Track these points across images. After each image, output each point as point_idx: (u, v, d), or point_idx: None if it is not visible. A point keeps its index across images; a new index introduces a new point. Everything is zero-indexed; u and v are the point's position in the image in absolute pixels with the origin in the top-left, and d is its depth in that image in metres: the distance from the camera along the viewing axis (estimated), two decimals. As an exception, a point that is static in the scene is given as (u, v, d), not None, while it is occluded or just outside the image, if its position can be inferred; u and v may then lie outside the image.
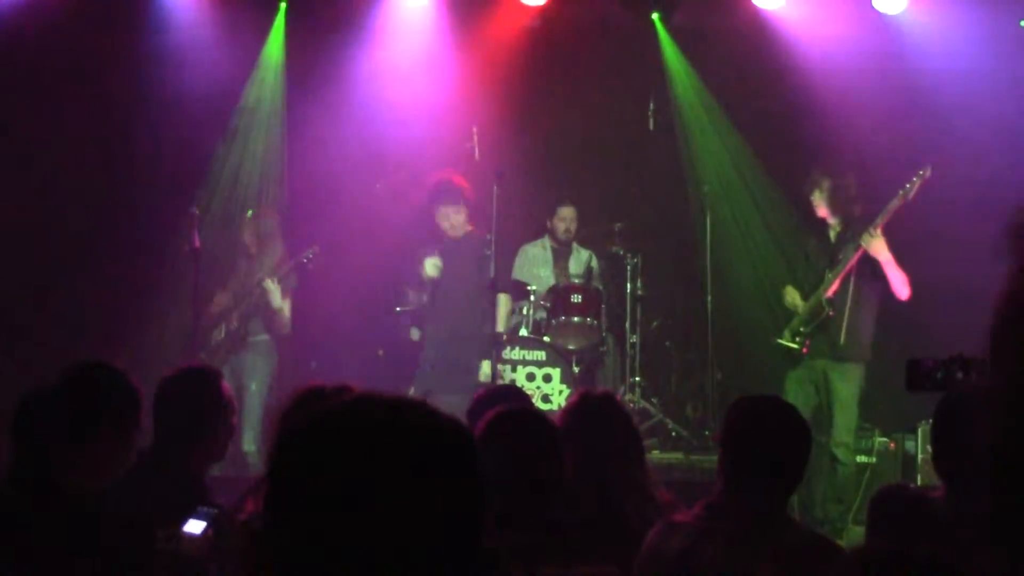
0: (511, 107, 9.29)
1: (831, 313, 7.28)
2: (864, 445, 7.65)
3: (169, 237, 8.24)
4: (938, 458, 3.09)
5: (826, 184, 7.40)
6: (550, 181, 9.38)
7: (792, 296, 7.55)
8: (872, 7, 8.69)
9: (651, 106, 9.31)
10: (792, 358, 7.45)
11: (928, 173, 7.20)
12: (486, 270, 7.90)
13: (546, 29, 9.44)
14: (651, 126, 9.34)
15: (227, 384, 3.85)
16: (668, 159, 9.43)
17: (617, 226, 8.95)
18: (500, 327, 7.89)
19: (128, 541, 2.97)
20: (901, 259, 7.38)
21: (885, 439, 7.67)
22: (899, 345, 7.34)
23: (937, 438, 3.10)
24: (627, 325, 8.73)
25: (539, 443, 3.05)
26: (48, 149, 8.30)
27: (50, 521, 2.90)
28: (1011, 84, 8.45)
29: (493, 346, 7.78)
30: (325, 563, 1.38)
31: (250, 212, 8.30)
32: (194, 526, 3.13)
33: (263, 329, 7.98)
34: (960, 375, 3.55)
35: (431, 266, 8.05)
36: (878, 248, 7.18)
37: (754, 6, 8.92)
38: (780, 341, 7.52)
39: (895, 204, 7.21)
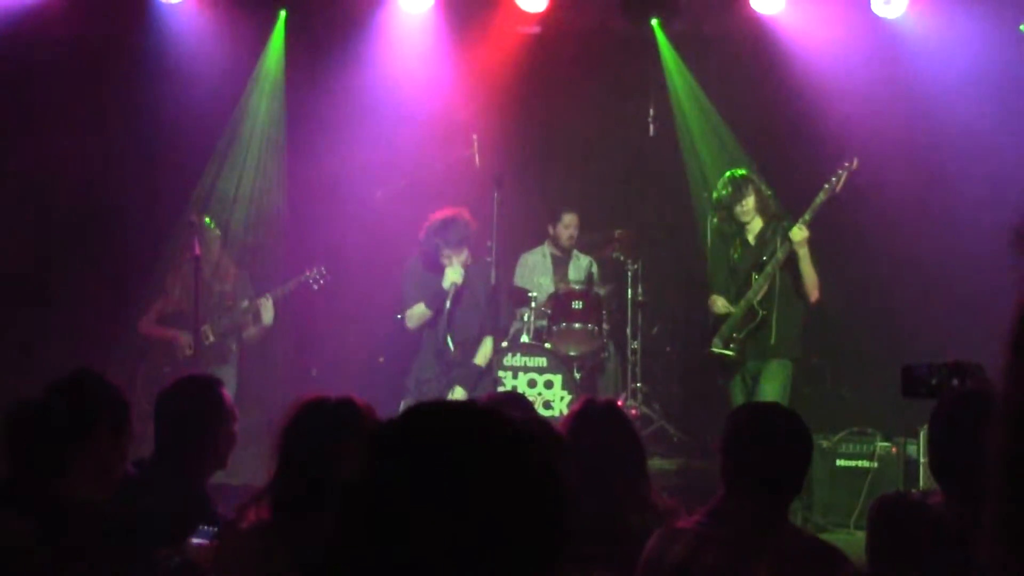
0: (511, 114, 9.30)
1: (764, 315, 7.21)
2: (866, 450, 7.63)
3: (166, 245, 8.27)
4: (935, 464, 3.09)
5: (751, 189, 7.35)
6: (550, 188, 9.39)
7: (719, 303, 7.44)
8: (871, 12, 8.70)
9: (651, 112, 9.32)
10: (727, 367, 7.38)
11: (855, 165, 7.13)
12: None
13: (546, 35, 9.44)
14: (651, 132, 9.35)
15: (227, 393, 3.85)
16: (668, 165, 9.43)
17: (617, 232, 8.96)
18: (480, 361, 7.89)
19: (127, 551, 2.97)
20: (896, 264, 7.35)
21: (887, 443, 7.64)
22: (900, 349, 7.34)
23: (934, 444, 3.10)
24: (628, 331, 8.74)
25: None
26: (46, 158, 8.30)
27: (45, 530, 2.89)
28: (1010, 88, 8.45)
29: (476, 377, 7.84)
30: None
31: (211, 222, 8.18)
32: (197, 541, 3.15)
33: (235, 342, 8.03)
34: (955, 381, 3.55)
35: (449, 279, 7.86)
36: (802, 243, 7.08)
37: (753, 12, 8.93)
38: (714, 350, 7.41)
39: (822, 198, 7.12)
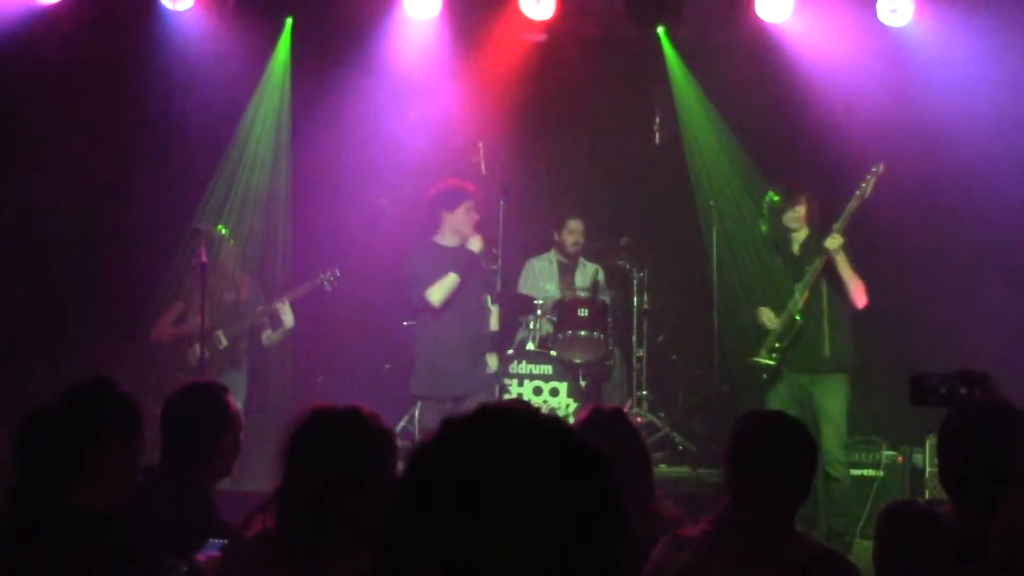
0: (517, 121, 9.30)
1: (802, 323, 7.23)
2: (871, 458, 7.62)
3: (173, 253, 8.28)
4: (944, 474, 3.08)
5: (802, 198, 7.38)
6: (556, 195, 9.39)
7: (766, 315, 7.48)
8: (877, 20, 8.70)
9: (656, 120, 9.33)
10: (769, 376, 7.39)
11: (881, 170, 7.15)
12: (489, 285, 7.94)
13: (552, 43, 9.45)
14: (656, 140, 9.35)
15: (233, 400, 3.85)
16: (674, 173, 9.43)
17: (623, 240, 8.96)
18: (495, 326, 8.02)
19: (136, 558, 2.97)
20: (905, 273, 7.36)
21: (893, 452, 7.64)
22: (908, 357, 7.33)
23: (943, 454, 3.09)
24: (633, 339, 8.73)
25: None
26: (54, 165, 8.33)
27: (57, 539, 2.90)
28: (1016, 96, 8.45)
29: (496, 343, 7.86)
30: None
31: (226, 232, 8.20)
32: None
33: (246, 348, 8.03)
34: (964, 390, 3.55)
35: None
36: (837, 251, 7.12)
37: (759, 20, 8.92)
38: (755, 359, 7.45)
39: (853, 205, 7.15)
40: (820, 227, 7.36)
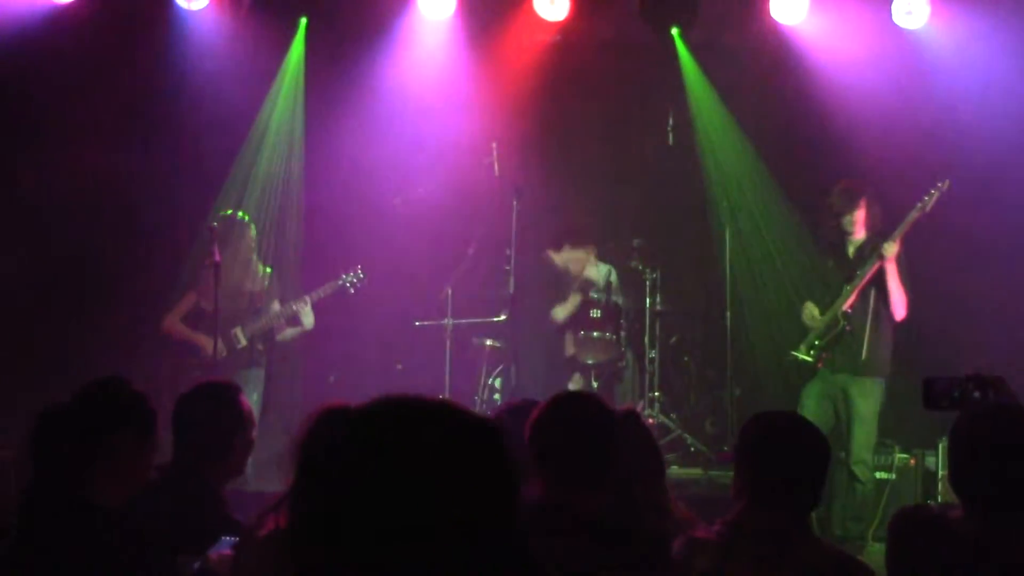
0: (531, 122, 9.30)
1: (848, 328, 7.29)
2: (884, 461, 7.61)
3: (187, 250, 8.30)
4: (955, 478, 3.06)
5: (863, 201, 7.42)
6: (569, 196, 9.38)
7: (811, 311, 7.55)
8: (892, 22, 8.67)
9: (670, 121, 9.31)
10: (806, 372, 7.45)
11: (947, 186, 7.24)
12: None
13: (566, 44, 9.44)
14: (670, 141, 9.33)
15: (245, 399, 3.86)
16: (687, 174, 9.41)
17: (636, 242, 8.94)
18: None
19: (149, 556, 2.98)
20: (915, 278, 7.37)
21: (906, 455, 7.62)
22: (921, 361, 7.31)
23: (954, 458, 3.07)
24: (646, 340, 8.72)
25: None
26: (69, 164, 8.35)
27: (71, 536, 2.91)
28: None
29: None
30: (365, 562, 1.40)
31: (247, 217, 8.13)
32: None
33: (264, 348, 8.00)
34: (977, 394, 3.53)
35: None
36: (891, 259, 7.20)
37: (773, 21, 8.90)
38: (795, 354, 7.53)
39: (913, 217, 7.24)
40: (880, 230, 7.38)
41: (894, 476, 7.56)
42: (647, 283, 8.76)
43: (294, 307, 7.87)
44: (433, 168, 8.95)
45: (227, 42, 8.83)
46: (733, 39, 9.43)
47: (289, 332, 8.02)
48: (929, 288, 7.81)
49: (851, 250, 7.50)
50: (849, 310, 7.33)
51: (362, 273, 7.99)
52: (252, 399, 7.63)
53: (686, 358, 9.34)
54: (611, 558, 3.08)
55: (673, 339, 9.18)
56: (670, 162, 9.51)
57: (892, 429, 7.84)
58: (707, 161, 9.36)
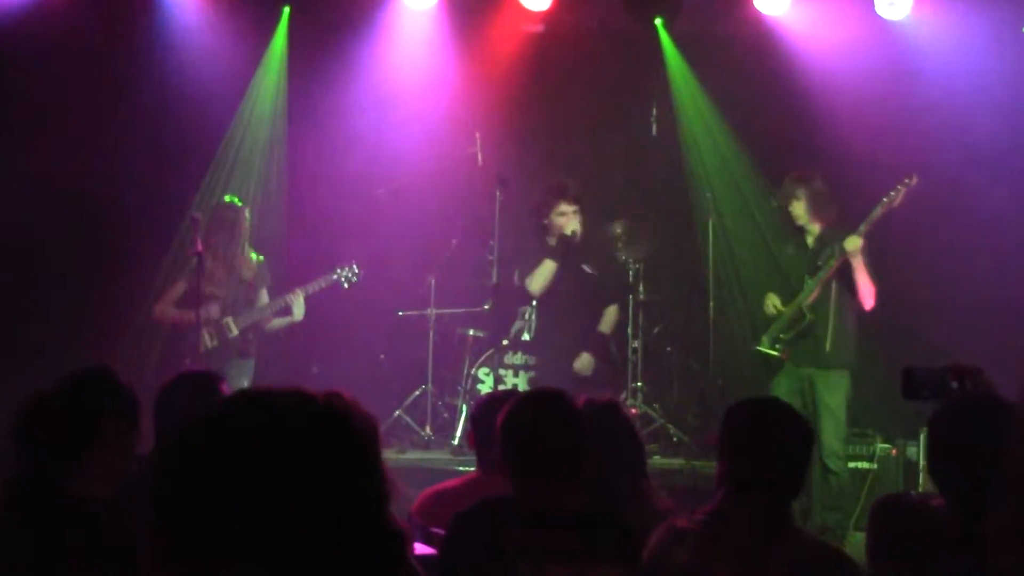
0: (514, 112, 9.30)
1: (811, 320, 7.28)
2: (866, 451, 7.64)
3: (170, 241, 8.27)
4: (934, 469, 3.08)
5: (801, 192, 7.41)
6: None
7: (772, 302, 7.55)
8: (875, 13, 8.69)
9: (654, 112, 9.32)
10: (771, 366, 7.45)
11: (914, 181, 7.18)
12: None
13: (549, 34, 9.44)
14: (654, 132, 9.34)
15: (226, 388, 3.85)
16: (670, 165, 9.43)
17: (619, 229, 8.93)
18: (607, 328, 8.31)
19: (132, 547, 2.97)
20: (895, 268, 7.39)
21: (887, 445, 7.65)
22: (901, 351, 7.33)
23: (932, 447, 3.09)
24: (629, 330, 8.72)
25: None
26: (49, 153, 8.29)
27: (55, 526, 2.90)
28: (1013, 88, 8.45)
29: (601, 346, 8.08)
30: (221, 559, 1.39)
31: (239, 200, 8.07)
32: None
33: (254, 338, 7.97)
34: (954, 384, 3.55)
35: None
36: (857, 254, 7.16)
37: (757, 12, 8.92)
38: (759, 348, 7.53)
39: (879, 211, 7.20)
40: (837, 222, 7.37)
41: (876, 466, 7.59)
42: (630, 273, 8.76)
43: (287, 299, 7.84)
44: (417, 158, 8.93)
45: (209, 31, 8.80)
46: (717, 30, 9.45)
47: (276, 322, 7.99)
48: (911, 278, 7.86)
49: (810, 241, 7.49)
50: (813, 302, 7.33)
51: (358, 269, 7.95)
52: (245, 380, 7.65)
53: (669, 348, 9.35)
54: (589, 549, 3.08)
55: (656, 329, 9.18)
56: (653, 152, 9.52)
57: (874, 419, 7.88)
58: (690, 151, 9.38)
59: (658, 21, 9.38)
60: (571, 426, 3.22)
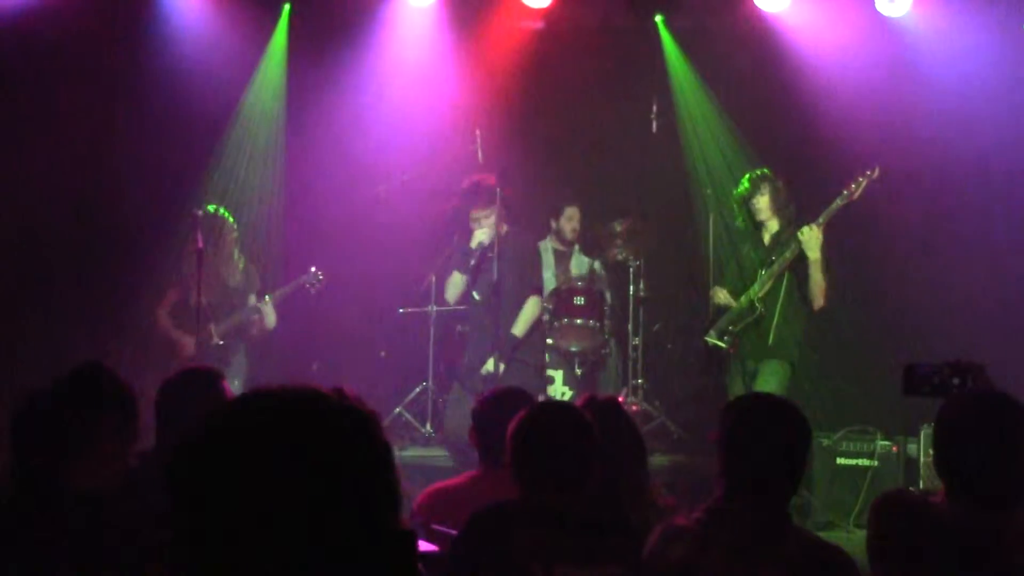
0: (514, 109, 9.29)
1: (761, 312, 7.27)
2: (866, 448, 7.63)
3: (169, 238, 8.26)
4: (939, 464, 3.07)
5: (766, 187, 7.39)
6: (553, 183, 9.37)
7: (720, 294, 7.55)
8: (875, 10, 8.69)
9: (654, 108, 9.30)
10: (719, 357, 7.47)
11: (875, 174, 7.11)
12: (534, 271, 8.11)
13: (549, 31, 9.43)
14: (654, 128, 9.33)
15: (228, 385, 3.86)
16: (671, 162, 9.42)
17: (619, 226, 8.93)
18: (518, 330, 7.94)
19: (130, 543, 2.97)
20: (883, 267, 7.36)
21: (887, 442, 7.65)
22: (902, 348, 7.34)
23: (939, 443, 3.08)
24: (629, 327, 8.73)
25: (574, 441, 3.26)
26: (50, 150, 8.30)
27: (53, 524, 2.90)
28: (1013, 86, 8.45)
29: (510, 347, 7.87)
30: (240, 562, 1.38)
31: (228, 214, 8.11)
32: None
33: (240, 340, 8.01)
34: (956, 381, 3.55)
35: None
36: (812, 245, 7.09)
37: (757, 9, 8.92)
38: (708, 340, 7.52)
39: (838, 204, 7.13)
40: (796, 219, 7.36)
41: (876, 463, 7.58)
42: (631, 270, 8.76)
43: (258, 306, 7.88)
44: (417, 155, 8.93)
45: (210, 28, 8.80)
46: (717, 26, 9.44)
47: (253, 331, 8.02)
48: (917, 274, 7.85)
49: (767, 237, 7.48)
50: (764, 296, 7.32)
51: (321, 275, 8.03)
52: (233, 385, 7.62)
53: (669, 345, 9.35)
54: (596, 550, 3.10)
55: (656, 326, 9.19)
56: (653, 149, 9.51)
57: (874, 416, 7.87)
58: (690, 148, 9.37)
59: (659, 18, 9.38)
60: (583, 438, 3.27)
